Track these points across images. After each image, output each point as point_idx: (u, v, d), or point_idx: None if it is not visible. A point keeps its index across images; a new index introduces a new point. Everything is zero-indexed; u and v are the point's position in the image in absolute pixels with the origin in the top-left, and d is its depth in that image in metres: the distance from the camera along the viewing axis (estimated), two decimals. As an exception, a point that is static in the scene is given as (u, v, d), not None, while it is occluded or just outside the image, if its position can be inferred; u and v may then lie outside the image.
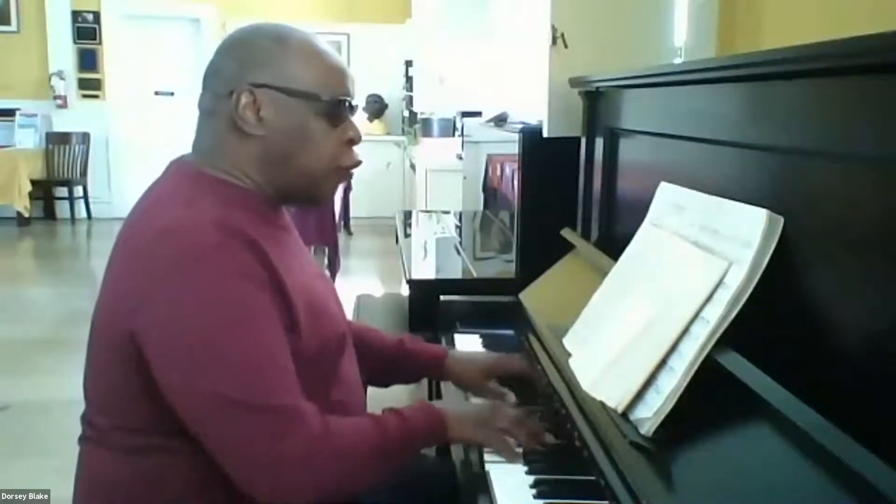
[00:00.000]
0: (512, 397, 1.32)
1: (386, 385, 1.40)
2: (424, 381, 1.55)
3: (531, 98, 2.20)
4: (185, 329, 0.95)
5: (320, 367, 1.09)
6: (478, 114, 3.84)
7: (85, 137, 7.68)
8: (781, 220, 0.90)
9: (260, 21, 1.18)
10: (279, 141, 1.06)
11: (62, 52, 7.72)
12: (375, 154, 7.35)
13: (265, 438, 0.94)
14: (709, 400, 0.91)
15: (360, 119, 4.17)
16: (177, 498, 1.02)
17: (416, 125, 6.66)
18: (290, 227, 1.17)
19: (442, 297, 1.82)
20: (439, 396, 1.51)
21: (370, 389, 1.35)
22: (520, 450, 1.11)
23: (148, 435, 1.01)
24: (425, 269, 2.45)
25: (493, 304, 1.78)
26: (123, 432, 1.02)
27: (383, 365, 1.35)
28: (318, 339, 1.07)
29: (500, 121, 2.58)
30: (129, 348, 0.97)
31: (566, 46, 1.83)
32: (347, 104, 1.10)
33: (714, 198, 1.05)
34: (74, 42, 7.78)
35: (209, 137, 1.09)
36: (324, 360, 1.10)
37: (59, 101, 7.69)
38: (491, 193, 2.56)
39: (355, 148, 1.13)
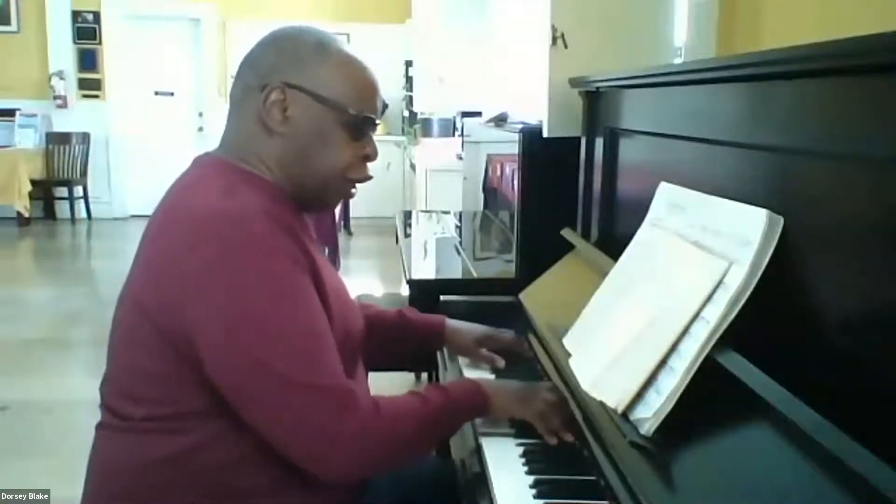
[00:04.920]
0: (501, 362, 1.42)
1: (390, 363, 1.44)
2: (424, 378, 1.56)
3: (531, 98, 2.20)
4: (244, 315, 0.96)
5: (343, 359, 1.10)
6: (478, 114, 3.84)
7: (85, 137, 7.68)
8: (781, 220, 0.90)
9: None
10: (300, 142, 1.08)
11: (62, 52, 7.72)
12: (375, 154, 7.35)
13: (324, 417, 0.97)
14: (709, 400, 0.91)
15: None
16: (209, 480, 1.02)
17: (416, 125, 6.65)
18: (308, 225, 1.20)
19: (442, 297, 1.82)
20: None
21: (372, 386, 1.35)
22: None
23: (185, 420, 1.01)
24: (425, 269, 2.45)
25: (493, 304, 1.78)
26: (157, 419, 1.02)
27: (387, 341, 1.38)
28: (343, 330, 1.10)
29: (500, 121, 2.58)
30: (179, 337, 0.98)
31: (566, 46, 1.83)
32: (372, 122, 1.13)
33: (714, 198, 1.05)
34: (74, 42, 7.78)
35: (236, 130, 1.11)
36: (346, 353, 1.12)
37: (59, 101, 7.68)
38: (491, 193, 2.56)
39: (368, 164, 1.16)
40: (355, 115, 1.09)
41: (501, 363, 1.42)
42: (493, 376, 1.41)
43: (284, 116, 1.07)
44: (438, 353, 1.56)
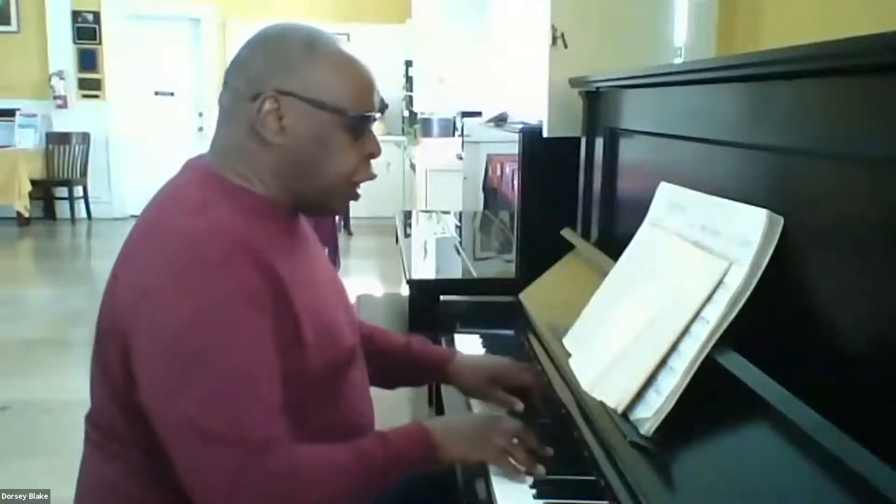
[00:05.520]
0: (520, 405, 1.25)
1: (392, 387, 1.36)
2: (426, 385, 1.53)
3: (531, 98, 2.20)
4: (170, 344, 0.92)
5: (327, 383, 1.07)
6: (478, 114, 3.84)
7: (85, 137, 7.68)
8: (781, 220, 0.90)
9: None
10: (299, 151, 1.03)
11: (62, 52, 7.71)
12: (375, 154, 7.36)
13: (225, 471, 0.91)
14: (709, 400, 0.91)
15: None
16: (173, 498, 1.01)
17: (416, 125, 6.65)
18: (307, 236, 1.15)
19: (442, 297, 1.82)
20: (439, 401, 1.50)
21: (374, 390, 1.34)
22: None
23: (143, 439, 0.98)
24: (425, 269, 2.45)
25: (493, 304, 1.78)
26: (120, 435, 1.01)
27: (389, 367, 1.32)
28: (326, 355, 1.05)
29: (500, 121, 2.58)
30: (124, 351, 0.96)
31: (566, 46, 1.83)
32: (371, 119, 1.08)
33: (714, 198, 1.05)
34: (74, 42, 7.77)
35: (228, 139, 1.06)
36: (331, 376, 1.09)
37: (59, 101, 7.68)
38: (491, 193, 2.56)
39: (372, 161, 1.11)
40: (354, 116, 1.05)
41: (519, 406, 1.24)
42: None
43: (280, 126, 1.01)
44: None
